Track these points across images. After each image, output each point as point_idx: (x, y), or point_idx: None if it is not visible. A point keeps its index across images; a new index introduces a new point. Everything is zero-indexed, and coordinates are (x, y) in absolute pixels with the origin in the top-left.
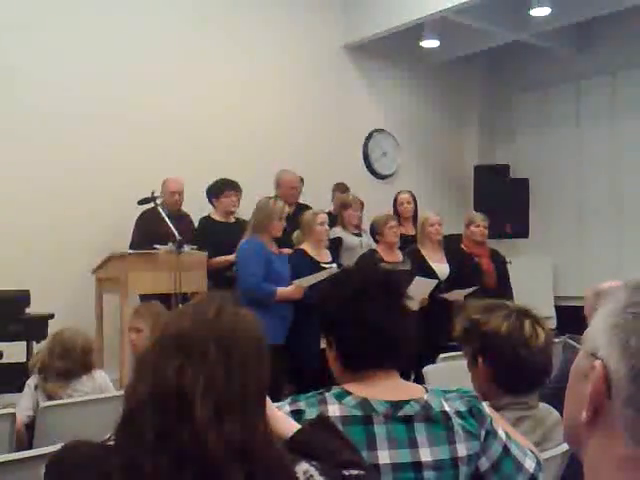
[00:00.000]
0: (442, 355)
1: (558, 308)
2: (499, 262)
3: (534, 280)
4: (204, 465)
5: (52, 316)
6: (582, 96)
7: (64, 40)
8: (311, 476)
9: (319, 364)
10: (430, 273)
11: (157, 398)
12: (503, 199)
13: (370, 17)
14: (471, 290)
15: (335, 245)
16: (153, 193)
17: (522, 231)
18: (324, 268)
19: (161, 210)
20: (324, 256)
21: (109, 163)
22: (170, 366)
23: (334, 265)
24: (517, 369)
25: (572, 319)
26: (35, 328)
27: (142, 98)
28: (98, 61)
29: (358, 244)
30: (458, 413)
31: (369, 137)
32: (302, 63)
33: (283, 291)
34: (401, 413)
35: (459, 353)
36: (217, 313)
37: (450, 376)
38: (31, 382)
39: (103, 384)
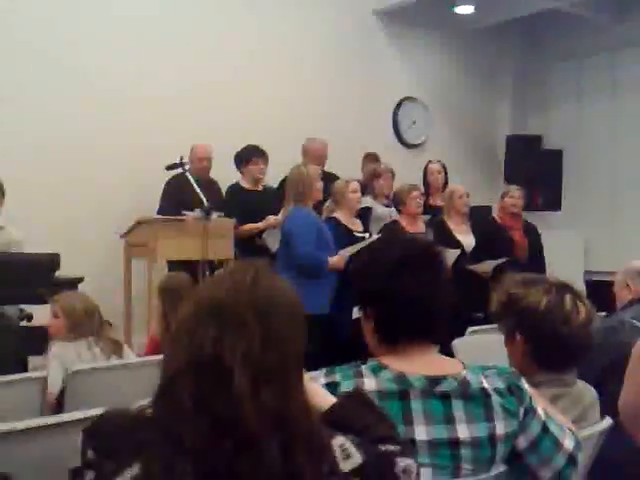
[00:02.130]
0: (471, 328)
1: (588, 283)
2: (533, 235)
3: (564, 254)
4: (241, 434)
5: (81, 280)
6: (618, 67)
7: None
8: (347, 450)
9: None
10: (455, 244)
11: (194, 368)
12: (535, 170)
13: None
14: (500, 262)
15: (364, 215)
16: (182, 159)
17: (554, 204)
18: (357, 237)
19: (189, 176)
20: (357, 225)
21: (139, 128)
22: (207, 335)
23: (367, 235)
24: (556, 346)
25: (602, 295)
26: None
27: (172, 65)
28: (131, 28)
29: (388, 214)
30: (497, 390)
31: (399, 105)
32: (332, 29)
33: (331, 260)
34: (438, 389)
35: (488, 327)
36: (253, 281)
37: (479, 350)
38: (54, 350)
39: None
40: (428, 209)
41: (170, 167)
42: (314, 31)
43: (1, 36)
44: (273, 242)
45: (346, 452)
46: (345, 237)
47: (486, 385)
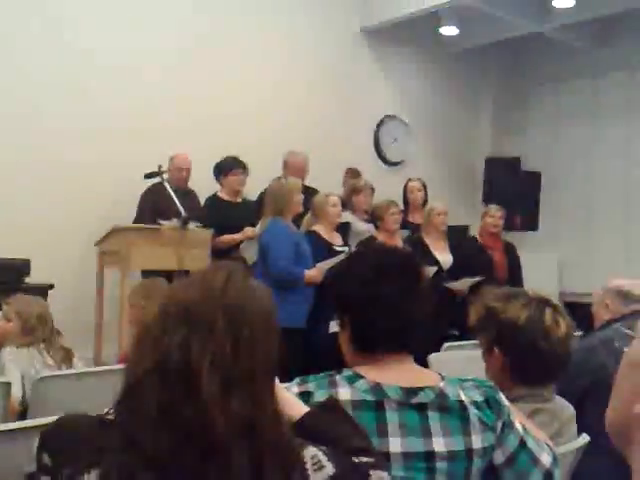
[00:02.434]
0: (446, 344)
1: (563, 303)
2: (512, 255)
3: (540, 274)
4: (208, 443)
5: (52, 287)
6: (598, 92)
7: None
8: (319, 461)
9: (334, 348)
10: (433, 262)
11: (160, 372)
12: (513, 192)
13: (389, 1)
14: (476, 280)
15: (344, 230)
16: (160, 167)
17: (531, 224)
18: (337, 251)
19: (167, 185)
20: (337, 239)
21: (117, 136)
22: (175, 338)
23: (346, 249)
24: (535, 360)
25: (577, 315)
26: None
27: (152, 72)
28: (102, 34)
29: (366, 230)
30: (474, 403)
31: (381, 123)
32: (317, 45)
33: (307, 274)
34: (415, 400)
35: (463, 343)
36: (226, 283)
37: (454, 365)
38: (8, 355)
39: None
40: (407, 225)
41: (149, 175)
42: (299, 46)
43: None
44: (250, 254)
45: (318, 463)
46: (325, 251)
47: (463, 397)
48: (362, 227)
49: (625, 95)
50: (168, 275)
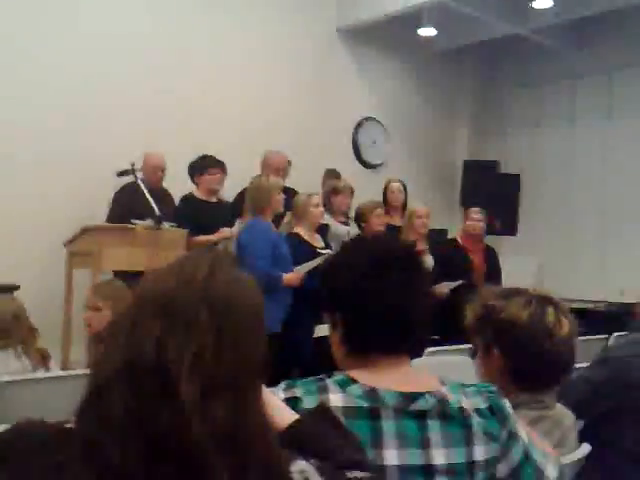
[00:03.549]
0: (429, 349)
1: None
2: (492, 259)
3: (519, 278)
4: (184, 456)
5: (17, 288)
6: (577, 95)
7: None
8: (308, 478)
9: (313, 354)
10: None
11: (131, 374)
12: (492, 195)
13: (365, 1)
14: (457, 284)
15: (322, 232)
16: (133, 165)
17: (510, 228)
18: (320, 254)
19: (141, 184)
20: (318, 241)
21: (87, 133)
22: (149, 335)
23: (328, 251)
24: (537, 361)
25: None
26: None
27: (126, 69)
28: (81, 35)
29: (345, 233)
30: (478, 411)
31: (359, 125)
32: (293, 45)
33: (286, 277)
34: (413, 407)
35: (444, 347)
36: (209, 273)
37: (436, 371)
38: None
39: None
40: (387, 228)
41: (121, 173)
42: (278, 47)
43: None
44: None
45: None
46: (308, 254)
47: (466, 404)
48: (341, 229)
49: (605, 97)
50: (141, 276)
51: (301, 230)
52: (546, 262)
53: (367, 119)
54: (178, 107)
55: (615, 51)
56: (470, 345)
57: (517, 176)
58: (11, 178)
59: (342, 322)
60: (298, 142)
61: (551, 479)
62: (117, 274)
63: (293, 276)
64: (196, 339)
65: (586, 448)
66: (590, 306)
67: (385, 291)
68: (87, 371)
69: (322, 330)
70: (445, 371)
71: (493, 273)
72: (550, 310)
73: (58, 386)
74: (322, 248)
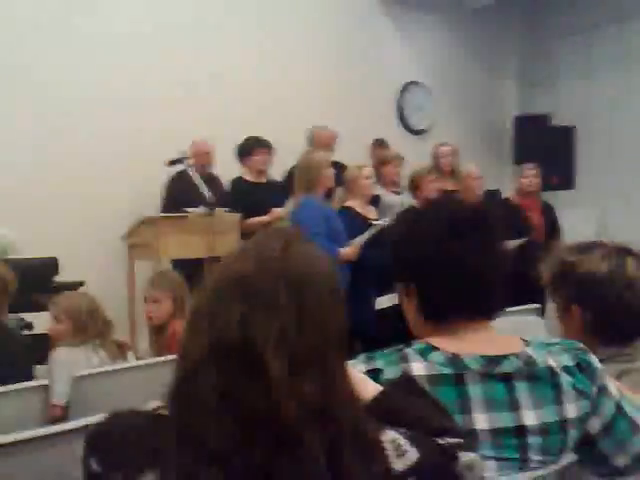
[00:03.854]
0: None
1: None
2: (551, 215)
3: (580, 233)
4: (277, 431)
5: (82, 284)
6: (627, 38)
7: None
8: (400, 446)
9: (375, 326)
10: None
11: (218, 356)
12: (546, 150)
13: None
14: (521, 241)
15: (373, 203)
16: (183, 154)
17: (568, 182)
18: (373, 225)
19: (192, 172)
20: (372, 213)
21: (136, 128)
22: (232, 316)
23: (381, 222)
24: (621, 315)
25: None
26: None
27: (170, 59)
28: (118, 28)
29: (398, 202)
30: (565, 368)
31: (403, 90)
32: (332, 14)
33: (343, 252)
34: (499, 370)
35: (513, 309)
36: (285, 250)
37: (506, 332)
38: (60, 357)
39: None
40: (441, 193)
41: (172, 162)
42: (315, 17)
43: None
44: None
45: (399, 448)
46: (363, 226)
47: (553, 363)
48: (393, 199)
49: None
50: (198, 264)
51: (353, 203)
52: (607, 214)
53: (411, 83)
54: (222, 91)
55: None
56: (538, 305)
57: (571, 128)
58: (70, 181)
59: (418, 290)
60: (342, 113)
61: None
62: (175, 262)
63: (350, 250)
64: (279, 317)
65: None
66: None
67: (462, 256)
68: (157, 360)
69: (383, 302)
70: (516, 332)
71: (553, 230)
72: (629, 261)
73: (134, 375)
74: (375, 220)
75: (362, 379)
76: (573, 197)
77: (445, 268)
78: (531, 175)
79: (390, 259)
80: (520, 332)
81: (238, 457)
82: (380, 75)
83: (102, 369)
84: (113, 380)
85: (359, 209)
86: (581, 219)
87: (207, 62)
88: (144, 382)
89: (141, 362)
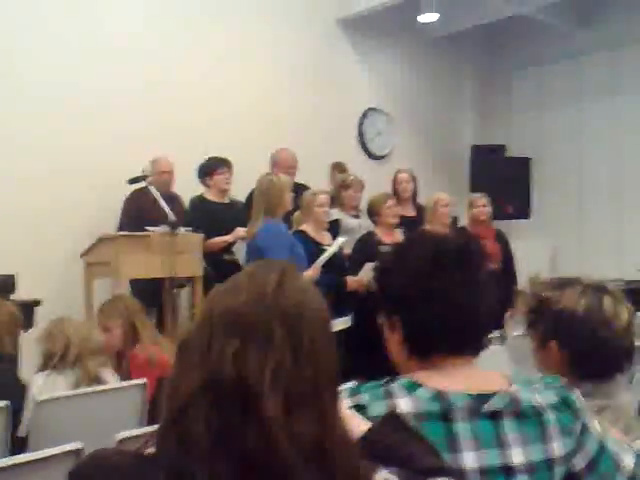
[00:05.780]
0: None
1: None
2: (504, 244)
3: (533, 262)
4: (274, 471)
5: (39, 303)
6: (582, 73)
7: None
8: None
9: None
10: None
11: (211, 391)
12: (502, 179)
13: None
14: None
15: (333, 227)
16: (143, 171)
17: (523, 212)
18: (325, 250)
19: (153, 190)
20: (325, 238)
21: (99, 144)
22: (226, 351)
23: (334, 245)
24: (597, 351)
25: None
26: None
27: (129, 78)
28: (77, 45)
29: (357, 226)
30: (551, 406)
31: (364, 116)
32: (295, 39)
33: (306, 275)
34: (486, 407)
35: None
36: (279, 285)
37: None
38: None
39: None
40: (400, 219)
41: (133, 180)
42: (278, 42)
43: None
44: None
45: None
46: (314, 251)
47: (539, 400)
48: (352, 223)
49: (610, 75)
50: (158, 284)
51: (307, 227)
52: (560, 244)
53: (371, 110)
54: (182, 112)
55: (617, 27)
56: (498, 333)
57: (527, 159)
58: (27, 194)
59: (401, 324)
60: (303, 137)
61: (631, 467)
62: (134, 282)
63: (312, 272)
64: (274, 354)
65: None
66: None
67: (449, 290)
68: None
69: (336, 325)
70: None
71: (506, 257)
72: (607, 299)
73: (98, 400)
74: (328, 245)
75: (350, 415)
76: (527, 227)
77: (428, 302)
78: (480, 205)
79: (341, 282)
80: (484, 362)
81: None
82: (342, 100)
83: (63, 394)
84: (76, 405)
85: (312, 234)
86: (536, 248)
87: (172, 84)
88: (109, 407)
89: (103, 387)
